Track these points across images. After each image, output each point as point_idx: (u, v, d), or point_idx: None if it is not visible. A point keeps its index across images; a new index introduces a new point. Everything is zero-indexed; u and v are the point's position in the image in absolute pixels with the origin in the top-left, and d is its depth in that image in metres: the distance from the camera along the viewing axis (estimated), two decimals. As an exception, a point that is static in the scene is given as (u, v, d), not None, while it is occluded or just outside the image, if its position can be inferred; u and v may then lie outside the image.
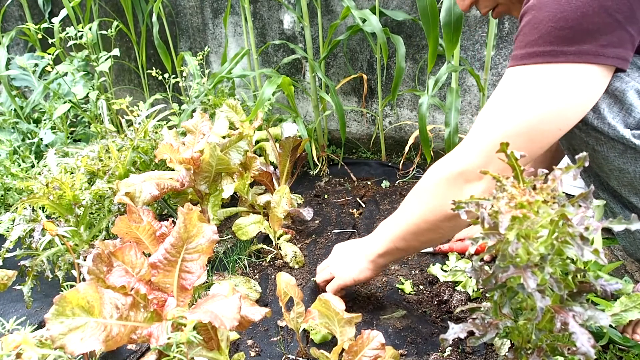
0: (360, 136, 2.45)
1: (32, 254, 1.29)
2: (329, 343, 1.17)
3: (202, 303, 0.81)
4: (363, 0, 2.13)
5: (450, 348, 1.12)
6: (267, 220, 1.55)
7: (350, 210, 1.89)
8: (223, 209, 1.60)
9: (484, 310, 0.81)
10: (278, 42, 2.23)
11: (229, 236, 1.70)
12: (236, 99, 1.99)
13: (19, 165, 1.98)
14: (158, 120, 1.93)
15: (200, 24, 2.57)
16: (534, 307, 0.73)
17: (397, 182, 2.09)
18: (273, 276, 1.48)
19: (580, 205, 0.67)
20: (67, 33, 2.15)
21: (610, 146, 0.94)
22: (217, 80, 2.02)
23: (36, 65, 2.41)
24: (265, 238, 1.66)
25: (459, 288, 1.32)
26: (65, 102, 2.15)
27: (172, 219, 1.18)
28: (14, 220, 1.31)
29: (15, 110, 2.31)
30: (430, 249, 1.52)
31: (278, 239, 1.60)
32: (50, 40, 2.17)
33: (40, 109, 2.27)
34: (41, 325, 1.29)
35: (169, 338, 0.75)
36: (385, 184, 2.07)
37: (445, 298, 1.30)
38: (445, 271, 1.40)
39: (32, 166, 2.02)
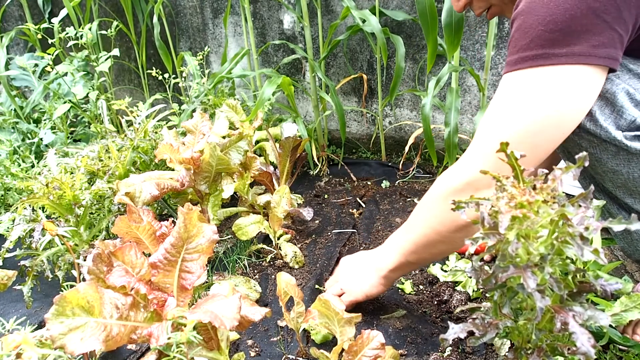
0: (360, 136, 2.45)
1: (32, 254, 1.29)
2: (329, 343, 1.17)
3: (202, 303, 0.81)
4: (363, 0, 2.13)
5: (450, 348, 1.12)
6: (267, 220, 1.55)
7: (350, 210, 1.89)
8: (223, 209, 1.60)
9: (484, 310, 0.81)
10: (278, 42, 2.23)
11: (229, 236, 1.70)
12: (236, 99, 1.99)
13: (19, 165, 1.98)
14: (158, 120, 1.93)
15: (200, 24, 2.57)
16: (533, 307, 0.73)
17: (397, 182, 2.09)
18: (273, 276, 1.48)
19: (580, 205, 0.67)
20: (67, 33, 2.15)
21: (603, 148, 0.95)
22: (217, 80, 2.02)
23: (36, 65, 2.41)
24: (265, 238, 1.66)
25: (459, 288, 1.32)
26: (65, 102, 2.15)
27: (172, 219, 1.18)
28: (14, 220, 1.31)
29: (15, 110, 2.31)
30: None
31: (278, 239, 1.60)
32: (50, 41, 2.17)
33: (40, 109, 2.27)
34: (41, 325, 1.29)
35: (169, 338, 0.75)
36: (385, 184, 2.07)
37: (445, 298, 1.30)
38: (445, 271, 1.40)
39: (32, 166, 2.02)
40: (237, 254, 1.57)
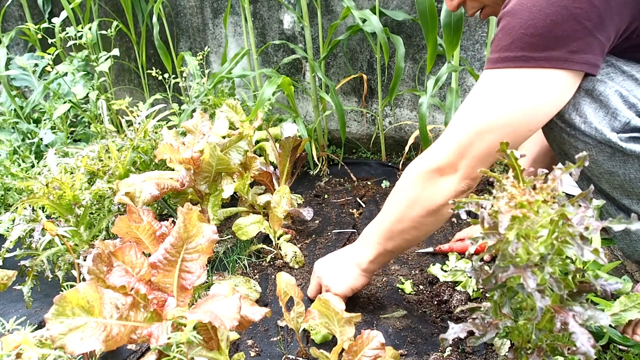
0: (360, 136, 2.45)
1: (32, 254, 1.29)
2: (329, 343, 1.17)
3: (202, 303, 0.81)
4: (363, 0, 2.13)
5: (450, 348, 1.12)
6: (267, 220, 1.55)
7: (350, 210, 1.89)
8: (223, 209, 1.60)
9: (484, 310, 0.81)
10: (278, 42, 2.23)
11: (229, 236, 1.70)
12: (236, 99, 1.99)
13: (19, 165, 1.98)
14: (158, 120, 1.93)
15: (200, 24, 2.57)
16: (533, 307, 0.73)
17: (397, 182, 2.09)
18: (273, 276, 1.48)
19: (580, 205, 0.67)
20: (67, 33, 2.15)
21: (598, 150, 0.96)
22: (217, 80, 2.02)
23: (36, 65, 2.41)
24: (265, 238, 1.66)
25: (459, 288, 1.32)
26: (65, 102, 2.15)
27: (172, 219, 1.18)
28: (14, 220, 1.31)
29: (15, 110, 2.31)
30: (430, 249, 1.52)
31: (278, 239, 1.60)
32: (50, 40, 2.17)
33: (40, 109, 2.27)
34: (41, 325, 1.29)
35: (169, 338, 0.75)
36: (385, 184, 2.07)
37: (445, 298, 1.30)
38: (445, 271, 1.40)
39: (32, 166, 2.02)
40: (237, 254, 1.57)
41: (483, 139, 0.96)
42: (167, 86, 2.35)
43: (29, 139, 2.23)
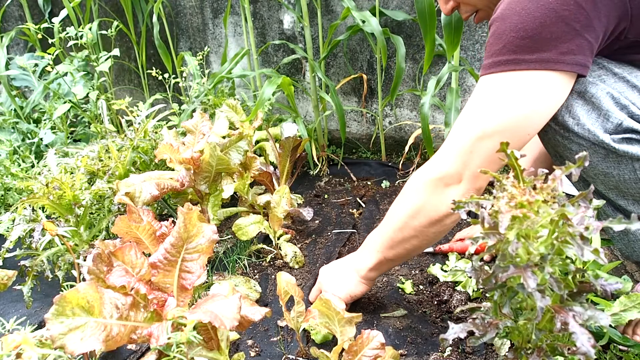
0: (360, 136, 2.45)
1: (32, 254, 1.29)
2: (329, 343, 1.17)
3: (202, 303, 0.81)
4: (363, 0, 2.13)
5: (450, 348, 1.12)
6: (267, 220, 1.55)
7: (350, 210, 1.89)
8: (223, 209, 1.60)
9: (484, 310, 0.81)
10: (278, 42, 2.23)
11: (229, 236, 1.70)
12: (236, 99, 1.99)
13: (19, 165, 1.98)
14: (158, 120, 1.93)
15: (200, 24, 2.57)
16: (534, 307, 0.73)
17: (397, 182, 2.09)
18: (273, 276, 1.48)
19: (580, 205, 0.67)
20: (67, 33, 2.15)
21: (592, 151, 0.97)
22: (217, 80, 2.02)
23: (36, 65, 2.41)
24: (265, 238, 1.66)
25: (459, 288, 1.32)
26: (65, 102, 2.15)
27: (172, 219, 1.18)
28: (14, 220, 1.31)
29: (15, 110, 2.31)
30: (431, 249, 1.52)
31: (278, 239, 1.60)
32: (50, 40, 2.17)
33: (40, 109, 2.27)
34: (41, 325, 1.29)
35: (169, 338, 0.75)
36: (385, 184, 2.07)
37: (445, 298, 1.30)
38: (445, 271, 1.40)
39: (32, 166, 2.02)
40: (237, 254, 1.57)
41: (483, 145, 0.97)
42: (167, 86, 2.35)
43: (29, 139, 2.23)
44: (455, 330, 0.77)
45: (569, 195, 0.72)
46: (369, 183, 2.12)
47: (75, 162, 1.46)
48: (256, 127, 1.87)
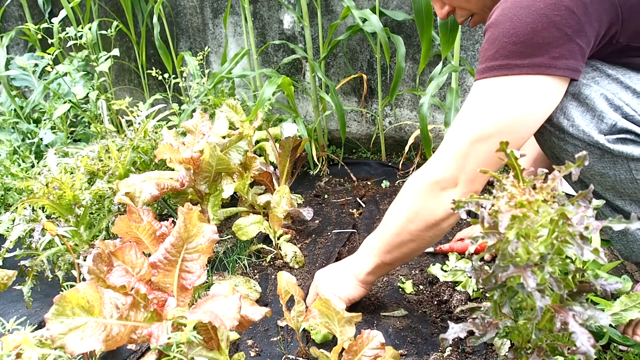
0: (360, 136, 2.45)
1: (32, 254, 1.29)
2: (329, 343, 1.17)
3: (202, 303, 0.81)
4: (363, 0, 2.13)
5: (450, 348, 1.12)
6: (267, 220, 1.55)
7: (350, 210, 1.89)
8: (223, 209, 1.60)
9: (484, 310, 0.81)
10: (278, 42, 2.23)
11: (229, 236, 1.70)
12: (236, 99, 1.99)
13: (19, 165, 1.98)
14: (158, 120, 1.93)
15: (200, 24, 2.57)
16: (533, 306, 0.73)
17: (397, 182, 2.09)
18: (273, 276, 1.48)
19: (579, 205, 0.67)
20: (67, 33, 2.15)
21: (588, 152, 0.96)
22: (217, 80, 2.02)
23: (36, 65, 2.41)
24: (265, 238, 1.66)
25: (459, 288, 1.32)
26: (65, 102, 2.15)
27: (172, 219, 1.18)
28: (14, 220, 1.31)
29: (15, 110, 2.31)
30: (431, 249, 1.52)
31: (278, 239, 1.60)
32: (50, 41, 2.17)
33: (40, 109, 2.27)
34: (41, 325, 1.29)
35: (169, 338, 0.75)
36: (385, 184, 2.07)
37: (445, 298, 1.30)
38: (445, 271, 1.40)
39: (32, 166, 2.02)
40: (237, 254, 1.57)
41: (478, 149, 0.97)
42: (167, 86, 2.35)
43: (29, 139, 2.23)
44: (455, 330, 0.77)
45: (568, 195, 0.72)
46: (369, 183, 2.12)
47: (75, 162, 1.46)
48: (256, 127, 1.87)
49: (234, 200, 1.77)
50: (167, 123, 2.02)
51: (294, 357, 1.14)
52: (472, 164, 0.99)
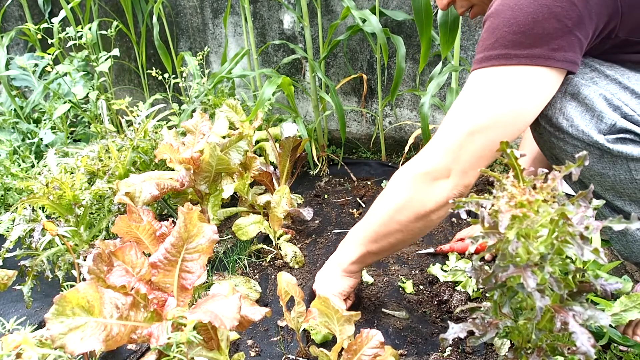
0: (360, 136, 2.45)
1: (32, 254, 1.29)
2: (329, 343, 1.17)
3: (202, 303, 0.81)
4: (363, 0, 2.13)
5: (450, 348, 1.12)
6: (267, 220, 1.55)
7: (350, 210, 1.89)
8: (223, 209, 1.60)
9: (484, 310, 0.81)
10: (278, 42, 2.23)
11: (229, 236, 1.70)
12: (236, 99, 1.99)
13: (19, 165, 1.98)
14: (158, 120, 1.93)
15: (200, 24, 2.57)
16: (533, 306, 0.73)
17: (397, 182, 2.09)
18: (273, 276, 1.48)
19: (580, 205, 0.67)
20: (67, 33, 2.15)
21: (587, 152, 0.96)
22: (217, 80, 2.02)
23: (36, 65, 2.41)
24: (265, 238, 1.66)
25: (459, 288, 1.32)
26: (65, 102, 2.15)
27: (172, 219, 1.18)
28: (14, 220, 1.31)
29: (15, 110, 2.31)
30: (431, 250, 1.52)
31: (278, 239, 1.60)
32: (50, 41, 2.17)
33: (40, 109, 2.27)
34: (41, 325, 1.29)
35: (169, 338, 0.75)
36: (385, 184, 2.07)
37: (445, 298, 1.30)
38: (445, 271, 1.40)
39: (32, 166, 2.02)
40: (237, 254, 1.57)
41: (473, 140, 0.97)
42: (167, 86, 2.35)
43: (29, 139, 2.23)
44: (455, 330, 0.77)
45: (568, 195, 0.72)
46: (369, 183, 2.12)
47: (75, 162, 1.46)
48: (256, 127, 1.87)
49: (234, 200, 1.77)
50: (167, 123, 2.02)
51: (294, 357, 1.14)
52: (467, 155, 0.98)
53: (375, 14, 1.95)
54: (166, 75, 2.29)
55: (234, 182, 1.60)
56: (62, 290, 0.82)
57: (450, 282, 1.35)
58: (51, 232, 1.10)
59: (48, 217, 1.37)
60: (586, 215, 0.66)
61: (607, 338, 1.01)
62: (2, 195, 1.87)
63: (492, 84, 0.95)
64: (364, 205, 1.92)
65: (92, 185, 1.42)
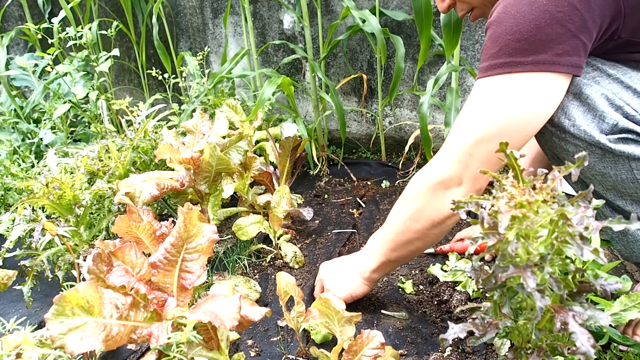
0: (360, 136, 2.45)
1: (32, 254, 1.29)
2: (329, 343, 1.17)
3: (202, 303, 0.81)
4: (363, 0, 2.13)
5: (450, 348, 1.12)
6: (267, 220, 1.55)
7: (350, 210, 1.89)
8: (223, 209, 1.60)
9: (484, 310, 0.81)
10: (278, 42, 2.23)
11: (229, 236, 1.70)
12: (236, 99, 1.99)
13: (19, 165, 1.98)
14: (158, 120, 1.93)
15: (200, 24, 2.57)
16: (533, 306, 0.73)
17: (397, 182, 2.09)
18: (273, 276, 1.48)
19: (579, 205, 0.67)
20: (67, 33, 2.15)
21: (589, 152, 0.97)
22: (217, 80, 2.02)
23: (36, 65, 2.41)
24: (265, 238, 1.66)
25: (459, 288, 1.32)
26: (65, 102, 2.15)
27: (172, 219, 1.18)
28: (14, 220, 1.31)
29: (15, 110, 2.31)
30: (431, 250, 1.52)
31: (278, 239, 1.60)
32: (50, 41, 2.17)
33: (40, 109, 2.27)
34: (41, 325, 1.29)
35: (169, 338, 0.75)
36: (385, 184, 2.07)
37: (445, 298, 1.30)
38: (445, 271, 1.40)
39: (32, 166, 2.02)
40: (237, 254, 1.57)
41: (481, 148, 0.97)
42: (167, 86, 2.35)
43: (29, 139, 2.23)
44: (455, 330, 0.77)
45: (568, 195, 0.72)
46: (369, 183, 2.12)
47: (75, 162, 1.46)
48: (256, 127, 1.87)
49: (234, 200, 1.77)
50: (167, 123, 2.02)
51: (294, 357, 1.14)
52: (477, 163, 0.99)
53: (375, 14, 1.95)
54: (166, 75, 2.29)
55: (234, 182, 1.60)
56: (62, 290, 0.82)
57: (450, 282, 1.35)
58: (51, 232, 1.10)
59: (48, 217, 1.37)
60: (586, 215, 0.66)
61: (607, 338, 1.01)
62: (2, 195, 1.87)
63: (499, 92, 0.95)
64: (364, 205, 1.92)
65: (92, 185, 1.42)
